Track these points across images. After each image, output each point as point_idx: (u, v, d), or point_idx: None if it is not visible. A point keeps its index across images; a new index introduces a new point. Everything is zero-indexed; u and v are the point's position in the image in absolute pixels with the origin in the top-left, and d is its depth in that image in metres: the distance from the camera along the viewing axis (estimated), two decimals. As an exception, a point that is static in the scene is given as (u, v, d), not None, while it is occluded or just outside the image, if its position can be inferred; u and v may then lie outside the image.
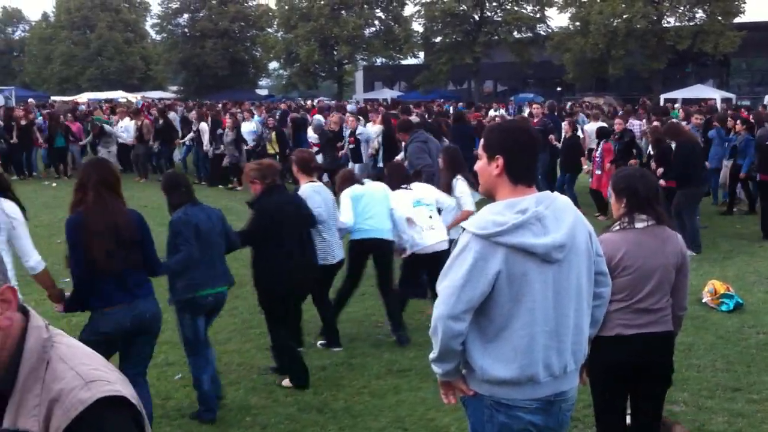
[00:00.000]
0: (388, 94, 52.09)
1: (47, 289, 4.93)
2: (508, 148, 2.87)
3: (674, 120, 15.55)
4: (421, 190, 7.50)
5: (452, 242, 7.45)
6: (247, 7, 62.58)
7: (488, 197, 2.99)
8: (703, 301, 7.97)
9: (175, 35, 62.55)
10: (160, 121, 20.03)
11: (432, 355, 2.94)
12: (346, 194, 7.09)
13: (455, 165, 7.76)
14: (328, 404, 5.67)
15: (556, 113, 19.03)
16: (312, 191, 6.62)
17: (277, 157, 16.62)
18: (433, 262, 7.14)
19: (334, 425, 5.32)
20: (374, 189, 7.24)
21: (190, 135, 19.46)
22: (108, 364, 1.62)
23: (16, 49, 70.31)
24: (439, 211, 7.46)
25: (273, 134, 17.56)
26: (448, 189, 7.62)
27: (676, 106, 26.54)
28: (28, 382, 1.53)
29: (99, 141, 19.61)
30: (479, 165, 2.97)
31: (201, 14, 61.18)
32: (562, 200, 2.93)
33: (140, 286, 4.72)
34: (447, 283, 2.81)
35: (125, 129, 19.93)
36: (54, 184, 18.26)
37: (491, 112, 26.30)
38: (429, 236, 7.18)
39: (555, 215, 2.84)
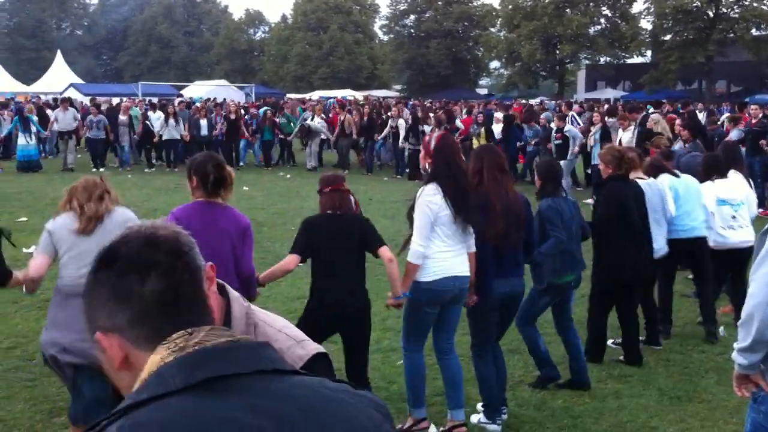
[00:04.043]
0: (610, 94, 50.39)
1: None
2: None
3: None
4: (728, 186, 7.39)
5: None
6: (472, 7, 63.12)
7: None
8: None
9: (401, 36, 64.49)
10: (365, 119, 20.93)
11: (741, 345, 2.95)
12: (664, 184, 7.08)
13: (728, 160, 7.75)
14: (546, 402, 5.70)
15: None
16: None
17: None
18: (733, 260, 7.23)
19: (553, 424, 5.33)
20: (689, 181, 7.28)
21: (386, 130, 20.49)
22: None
23: (257, 49, 75.33)
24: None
25: (482, 130, 18.59)
26: None
27: None
28: None
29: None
30: None
31: (427, 15, 62.60)
32: None
33: (519, 264, 5.20)
34: (764, 270, 2.83)
35: (321, 124, 21.59)
36: (288, 176, 19.49)
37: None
38: (729, 234, 7.21)
39: None
